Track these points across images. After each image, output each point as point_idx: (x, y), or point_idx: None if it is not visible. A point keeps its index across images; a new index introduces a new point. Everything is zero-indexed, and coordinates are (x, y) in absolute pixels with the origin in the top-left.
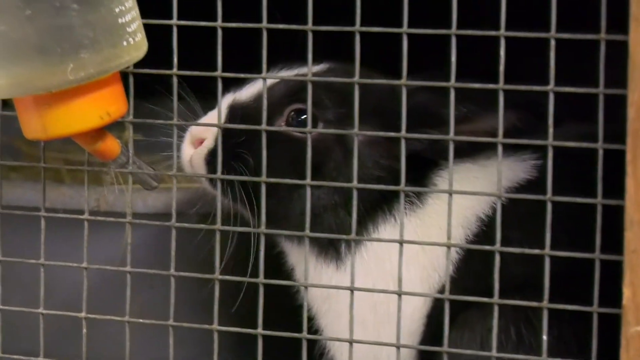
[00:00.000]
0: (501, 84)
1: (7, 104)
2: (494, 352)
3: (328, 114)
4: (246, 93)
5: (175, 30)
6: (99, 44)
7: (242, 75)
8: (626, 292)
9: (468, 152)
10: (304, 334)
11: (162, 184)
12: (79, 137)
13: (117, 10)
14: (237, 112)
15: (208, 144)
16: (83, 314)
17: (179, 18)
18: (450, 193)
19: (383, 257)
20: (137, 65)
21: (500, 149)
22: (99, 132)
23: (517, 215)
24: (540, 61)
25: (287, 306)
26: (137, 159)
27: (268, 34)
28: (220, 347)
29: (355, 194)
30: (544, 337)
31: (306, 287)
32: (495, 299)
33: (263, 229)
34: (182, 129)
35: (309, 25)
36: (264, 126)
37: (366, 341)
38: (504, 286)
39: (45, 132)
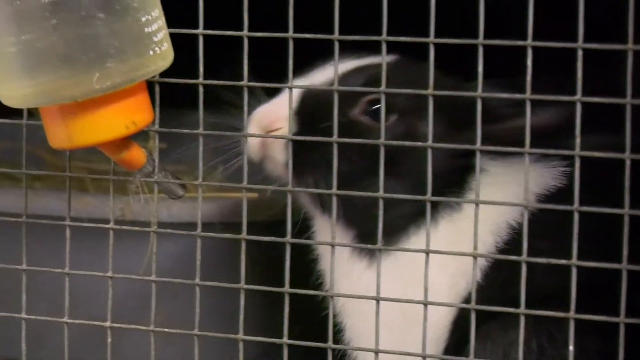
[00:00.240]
0: (528, 94)
1: (32, 113)
2: None
3: (401, 104)
4: (318, 80)
5: (201, 39)
6: (125, 53)
7: (268, 85)
8: None
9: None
10: (329, 344)
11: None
12: (104, 146)
13: (143, 19)
14: (310, 100)
15: (286, 131)
16: (108, 324)
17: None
18: (477, 203)
19: (417, 261)
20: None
21: (527, 159)
22: (125, 142)
23: (547, 224)
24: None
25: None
26: (162, 168)
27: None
28: (245, 356)
29: (381, 203)
30: (570, 348)
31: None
32: (522, 309)
33: (289, 238)
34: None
35: (336, 35)
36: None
37: (392, 351)
38: (529, 297)
39: (71, 141)
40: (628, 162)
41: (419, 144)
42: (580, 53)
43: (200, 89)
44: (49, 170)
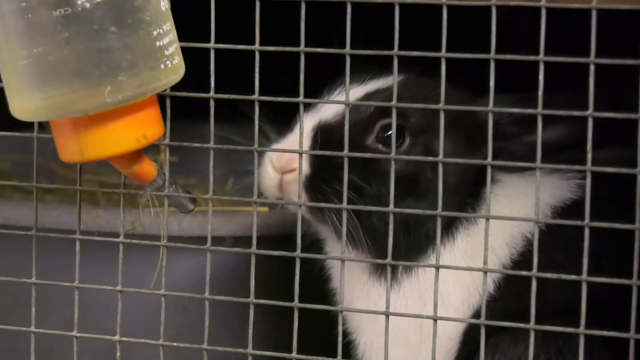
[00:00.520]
0: (540, 109)
1: (43, 126)
2: None
3: (414, 125)
4: (330, 111)
5: (212, 53)
6: (137, 67)
7: (279, 99)
8: None
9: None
10: (339, 359)
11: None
12: (115, 159)
13: (155, 33)
14: (323, 135)
15: (304, 170)
16: (117, 337)
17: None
18: (488, 218)
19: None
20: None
21: (538, 173)
22: (136, 155)
23: (562, 237)
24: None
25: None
26: (173, 181)
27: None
28: None
29: (391, 217)
30: None
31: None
32: (532, 324)
33: (299, 252)
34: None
35: (347, 49)
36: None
37: None
38: (542, 310)
39: (82, 154)
40: (639, 177)
41: (430, 158)
42: (592, 68)
43: (212, 103)
44: (61, 183)
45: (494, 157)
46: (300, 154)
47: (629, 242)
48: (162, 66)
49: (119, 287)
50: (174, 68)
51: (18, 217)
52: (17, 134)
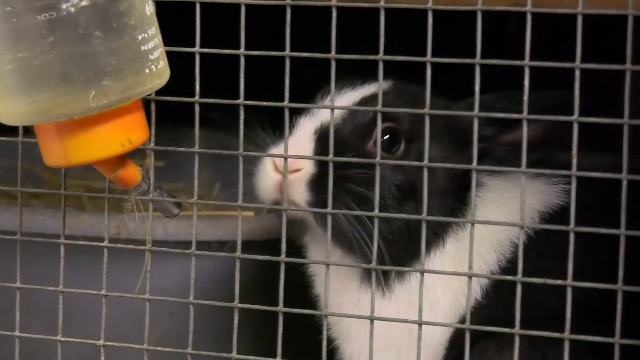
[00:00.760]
0: (525, 114)
1: (28, 130)
2: None
3: (406, 130)
4: (327, 116)
5: (197, 57)
6: (122, 71)
7: (264, 104)
8: None
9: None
10: None
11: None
12: (100, 164)
13: (140, 37)
14: (325, 137)
15: (308, 170)
16: (101, 342)
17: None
18: (473, 223)
19: (429, 287)
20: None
21: (523, 178)
22: (121, 160)
23: (550, 245)
24: None
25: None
26: (158, 186)
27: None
28: None
29: (376, 222)
30: None
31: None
32: (516, 329)
33: (284, 257)
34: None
35: (333, 54)
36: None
37: None
38: (530, 317)
39: (67, 159)
40: (625, 183)
41: (415, 163)
42: (577, 73)
43: (196, 107)
44: (47, 188)
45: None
46: (286, 159)
47: (617, 251)
48: (147, 70)
49: (103, 292)
50: (159, 72)
51: (4, 221)
52: (2, 138)
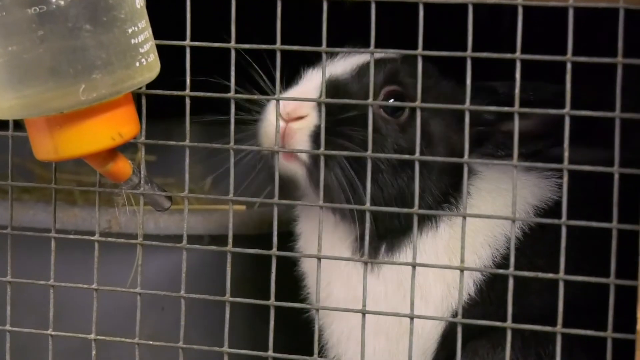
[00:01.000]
0: (516, 107)
1: (19, 124)
2: None
3: (413, 96)
4: (342, 67)
5: (188, 50)
6: (111, 65)
7: (255, 97)
8: None
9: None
10: (315, 357)
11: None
12: (90, 158)
13: (130, 30)
14: (331, 90)
15: (312, 119)
16: (92, 336)
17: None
18: (464, 216)
19: (419, 271)
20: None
21: (515, 171)
22: (111, 153)
23: (545, 242)
24: None
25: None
26: (149, 180)
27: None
28: None
29: (368, 215)
30: None
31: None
32: (509, 323)
33: (275, 250)
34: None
35: (324, 47)
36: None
37: None
38: (523, 317)
39: (57, 153)
40: (617, 176)
41: (406, 156)
42: (569, 66)
43: (187, 101)
44: (39, 182)
45: (477, 144)
46: (278, 100)
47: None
48: (137, 64)
49: (94, 286)
50: (149, 66)
51: None
52: None
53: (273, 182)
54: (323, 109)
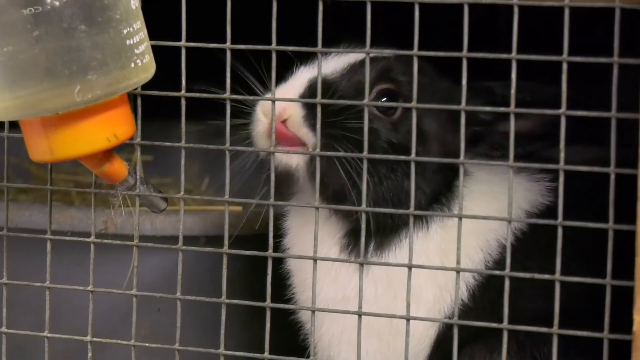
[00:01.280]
0: (512, 107)
1: (15, 125)
2: None
3: (407, 94)
4: (333, 66)
5: (184, 51)
6: (107, 65)
7: (250, 98)
8: (637, 318)
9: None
10: (311, 359)
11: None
12: (85, 159)
13: (125, 31)
14: (325, 86)
15: (298, 110)
16: (88, 338)
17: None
18: (460, 217)
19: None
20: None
21: (511, 173)
22: (107, 154)
23: (538, 246)
24: None
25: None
26: (145, 181)
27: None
28: None
29: (363, 217)
30: None
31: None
32: (505, 324)
33: (271, 252)
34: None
35: (319, 47)
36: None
37: None
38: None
39: (52, 154)
40: (612, 176)
41: (402, 157)
42: (565, 66)
43: (183, 101)
44: (35, 183)
45: (472, 144)
46: (273, 101)
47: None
48: (132, 65)
49: (90, 287)
50: (144, 67)
51: None
52: None
53: (269, 180)
54: (319, 109)
